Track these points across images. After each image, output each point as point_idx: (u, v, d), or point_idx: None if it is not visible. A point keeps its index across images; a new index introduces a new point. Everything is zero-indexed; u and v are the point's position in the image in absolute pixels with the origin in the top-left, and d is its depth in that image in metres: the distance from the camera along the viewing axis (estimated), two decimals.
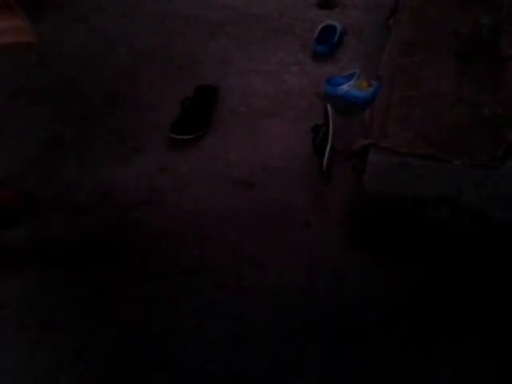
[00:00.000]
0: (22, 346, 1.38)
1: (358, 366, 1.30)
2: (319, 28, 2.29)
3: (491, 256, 1.48)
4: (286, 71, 2.17)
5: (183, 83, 2.14)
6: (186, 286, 1.48)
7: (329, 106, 1.83)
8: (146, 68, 2.26)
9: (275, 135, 1.93)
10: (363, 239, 1.57)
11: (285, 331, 1.38)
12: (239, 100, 2.07)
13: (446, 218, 1.56)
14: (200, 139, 1.92)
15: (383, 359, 1.31)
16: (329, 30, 2.28)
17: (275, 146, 1.88)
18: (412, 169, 1.54)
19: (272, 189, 1.73)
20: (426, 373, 1.28)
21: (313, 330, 1.38)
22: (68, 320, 1.44)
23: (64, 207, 1.73)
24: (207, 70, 2.23)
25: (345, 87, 1.99)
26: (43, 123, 2.05)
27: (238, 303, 1.44)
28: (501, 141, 1.48)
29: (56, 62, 2.33)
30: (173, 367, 1.32)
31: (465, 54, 1.85)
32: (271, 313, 1.42)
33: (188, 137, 1.91)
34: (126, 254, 1.58)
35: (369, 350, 1.33)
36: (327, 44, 2.24)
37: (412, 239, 1.53)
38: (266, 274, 1.50)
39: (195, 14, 2.56)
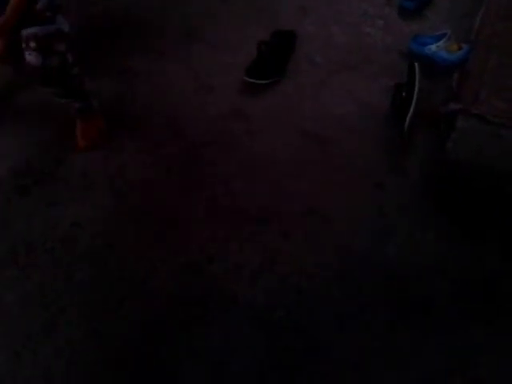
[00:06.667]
0: (86, 266, 1.42)
1: (422, 335, 1.26)
2: None
3: None
4: (370, 24, 2.05)
5: (261, 25, 2.05)
6: (253, 230, 1.47)
7: (416, 64, 1.72)
8: (222, 5, 2.18)
9: (352, 90, 1.84)
10: (439, 207, 1.50)
11: (348, 290, 1.35)
12: (317, 49, 1.98)
13: None
14: (274, 86, 1.86)
15: (448, 331, 1.27)
16: None
17: (351, 102, 1.80)
18: (504, 141, 1.45)
19: (346, 145, 1.67)
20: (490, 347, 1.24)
21: (377, 293, 1.34)
22: (137, 245, 1.46)
23: (137, 138, 1.72)
24: (286, 13, 2.13)
25: (433, 47, 1.87)
26: (117, 55, 2.01)
27: (303, 255, 1.42)
28: None
29: None
30: (238, 308, 1.32)
31: None
32: (336, 269, 1.39)
33: (262, 82, 1.85)
34: (195, 191, 1.57)
35: (434, 321, 1.29)
36: (416, 0, 2.10)
37: (492, 213, 1.45)
38: (334, 230, 1.46)
39: None
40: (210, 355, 1.24)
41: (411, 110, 1.63)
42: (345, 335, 1.26)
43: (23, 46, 1.46)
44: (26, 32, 1.44)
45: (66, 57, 1.50)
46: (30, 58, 1.46)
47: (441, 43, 1.86)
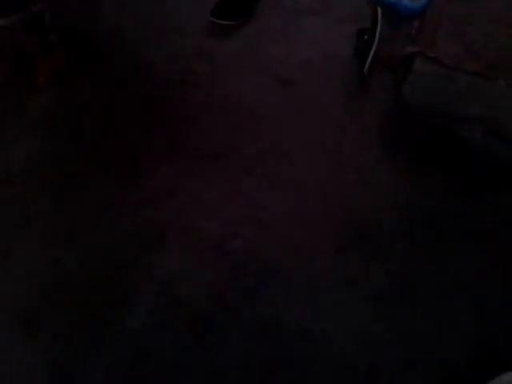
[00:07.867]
0: (45, 199, 1.46)
1: (370, 260, 1.35)
2: None
3: None
4: None
5: None
6: (213, 167, 1.52)
7: (379, 8, 1.74)
8: None
9: (318, 34, 1.86)
10: (395, 148, 1.57)
11: (301, 222, 1.42)
12: None
13: (480, 140, 1.55)
14: (240, 27, 1.86)
15: (394, 258, 1.36)
16: None
17: (317, 46, 1.82)
18: (456, 84, 1.51)
19: (309, 88, 1.70)
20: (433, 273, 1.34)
21: (329, 223, 1.42)
22: (98, 180, 1.50)
23: (98, 73, 1.73)
24: None
25: None
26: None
27: (262, 189, 1.48)
28: None
29: None
30: (196, 236, 1.39)
31: None
32: (293, 202, 1.46)
33: (228, 22, 1.85)
34: (157, 129, 1.60)
35: (382, 248, 1.38)
36: None
37: (444, 155, 1.53)
38: (293, 167, 1.52)
39: None
40: (168, 278, 1.31)
41: (371, 53, 1.66)
42: (295, 260, 1.35)
43: None
44: None
45: None
46: None
47: None
